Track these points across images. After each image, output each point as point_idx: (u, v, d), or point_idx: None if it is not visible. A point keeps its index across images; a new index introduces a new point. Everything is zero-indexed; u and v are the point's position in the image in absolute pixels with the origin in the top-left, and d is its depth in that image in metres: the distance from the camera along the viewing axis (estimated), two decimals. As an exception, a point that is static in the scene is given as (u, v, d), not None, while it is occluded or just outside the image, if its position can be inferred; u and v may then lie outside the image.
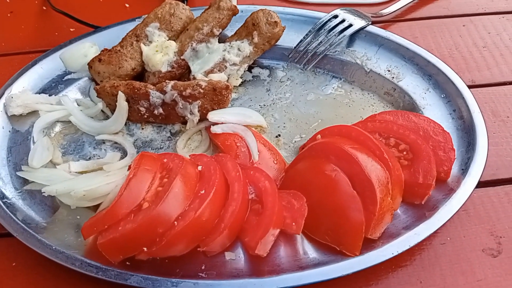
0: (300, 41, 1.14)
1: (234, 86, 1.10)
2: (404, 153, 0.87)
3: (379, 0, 1.34)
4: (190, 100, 0.98)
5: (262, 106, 1.08)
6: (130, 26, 1.13)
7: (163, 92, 0.99)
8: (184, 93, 0.98)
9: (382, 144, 0.85)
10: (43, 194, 0.84)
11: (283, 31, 1.09)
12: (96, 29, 1.18)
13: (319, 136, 0.93)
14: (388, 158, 0.82)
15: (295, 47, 1.14)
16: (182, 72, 1.07)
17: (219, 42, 1.09)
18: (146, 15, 1.12)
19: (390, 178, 0.80)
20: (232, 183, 0.82)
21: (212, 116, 0.98)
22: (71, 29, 1.27)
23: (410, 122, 0.93)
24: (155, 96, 0.99)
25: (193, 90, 0.98)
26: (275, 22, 1.08)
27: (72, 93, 1.08)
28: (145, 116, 1.01)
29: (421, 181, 0.83)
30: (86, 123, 1.01)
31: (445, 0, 1.36)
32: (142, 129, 1.03)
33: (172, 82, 0.99)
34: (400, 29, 1.26)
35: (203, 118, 1.01)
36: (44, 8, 1.34)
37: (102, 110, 1.04)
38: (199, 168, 0.85)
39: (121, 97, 0.98)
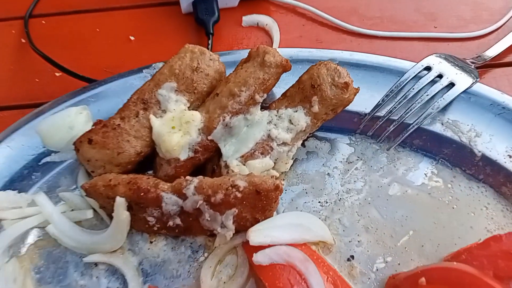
0: (377, 106, 0.80)
1: (283, 172, 0.77)
2: None
3: (469, 34, 0.99)
4: (222, 208, 0.66)
5: (323, 204, 0.75)
6: (135, 81, 0.82)
7: (182, 197, 0.66)
8: (213, 200, 0.65)
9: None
10: None
11: (355, 95, 0.75)
12: (90, 83, 0.84)
13: (423, 279, 0.61)
14: None
15: (369, 114, 0.80)
16: (208, 156, 0.74)
17: (261, 108, 0.76)
18: (157, 66, 0.79)
19: None
20: None
21: (254, 237, 0.65)
22: (57, 74, 0.94)
23: None
24: (170, 202, 0.67)
25: (227, 195, 0.65)
26: (345, 83, 0.73)
27: (52, 184, 0.75)
28: (155, 228, 0.69)
29: None
30: (70, 236, 0.69)
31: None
32: (151, 242, 0.71)
33: (196, 181, 0.67)
34: (507, 78, 0.91)
35: (239, 230, 0.68)
36: (23, 40, 1.01)
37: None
38: None
39: (120, 205, 0.66)
